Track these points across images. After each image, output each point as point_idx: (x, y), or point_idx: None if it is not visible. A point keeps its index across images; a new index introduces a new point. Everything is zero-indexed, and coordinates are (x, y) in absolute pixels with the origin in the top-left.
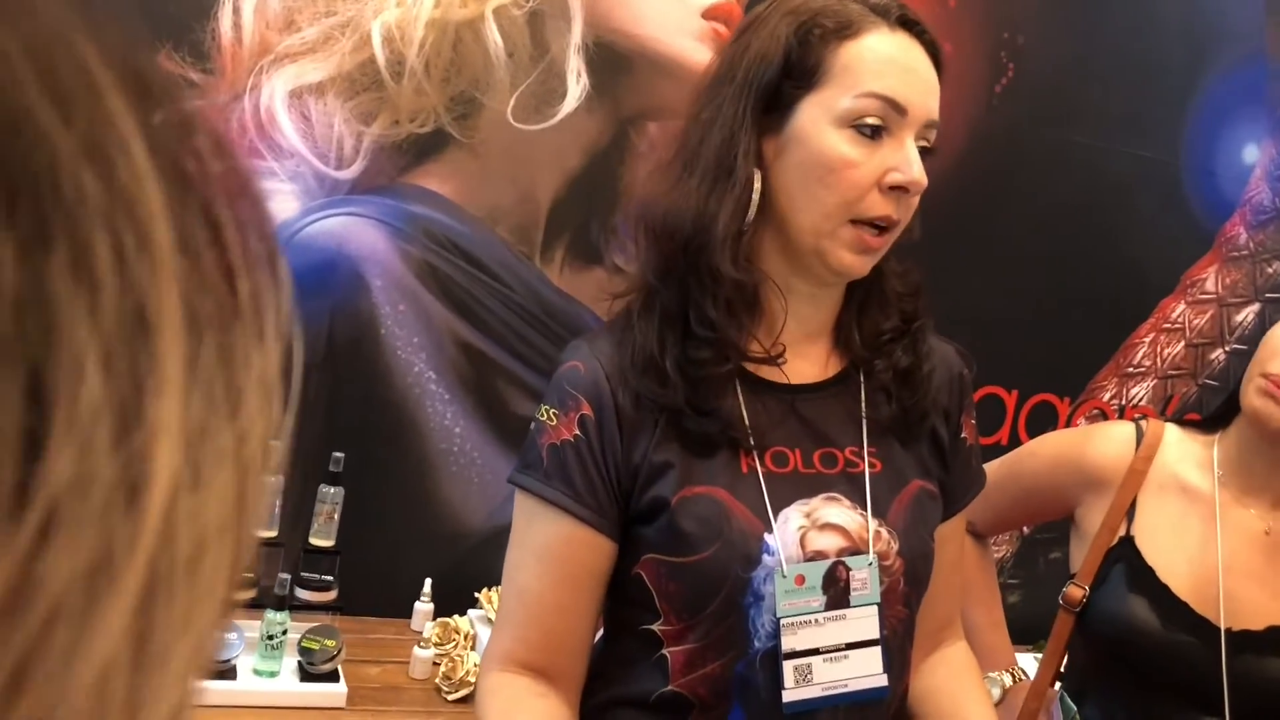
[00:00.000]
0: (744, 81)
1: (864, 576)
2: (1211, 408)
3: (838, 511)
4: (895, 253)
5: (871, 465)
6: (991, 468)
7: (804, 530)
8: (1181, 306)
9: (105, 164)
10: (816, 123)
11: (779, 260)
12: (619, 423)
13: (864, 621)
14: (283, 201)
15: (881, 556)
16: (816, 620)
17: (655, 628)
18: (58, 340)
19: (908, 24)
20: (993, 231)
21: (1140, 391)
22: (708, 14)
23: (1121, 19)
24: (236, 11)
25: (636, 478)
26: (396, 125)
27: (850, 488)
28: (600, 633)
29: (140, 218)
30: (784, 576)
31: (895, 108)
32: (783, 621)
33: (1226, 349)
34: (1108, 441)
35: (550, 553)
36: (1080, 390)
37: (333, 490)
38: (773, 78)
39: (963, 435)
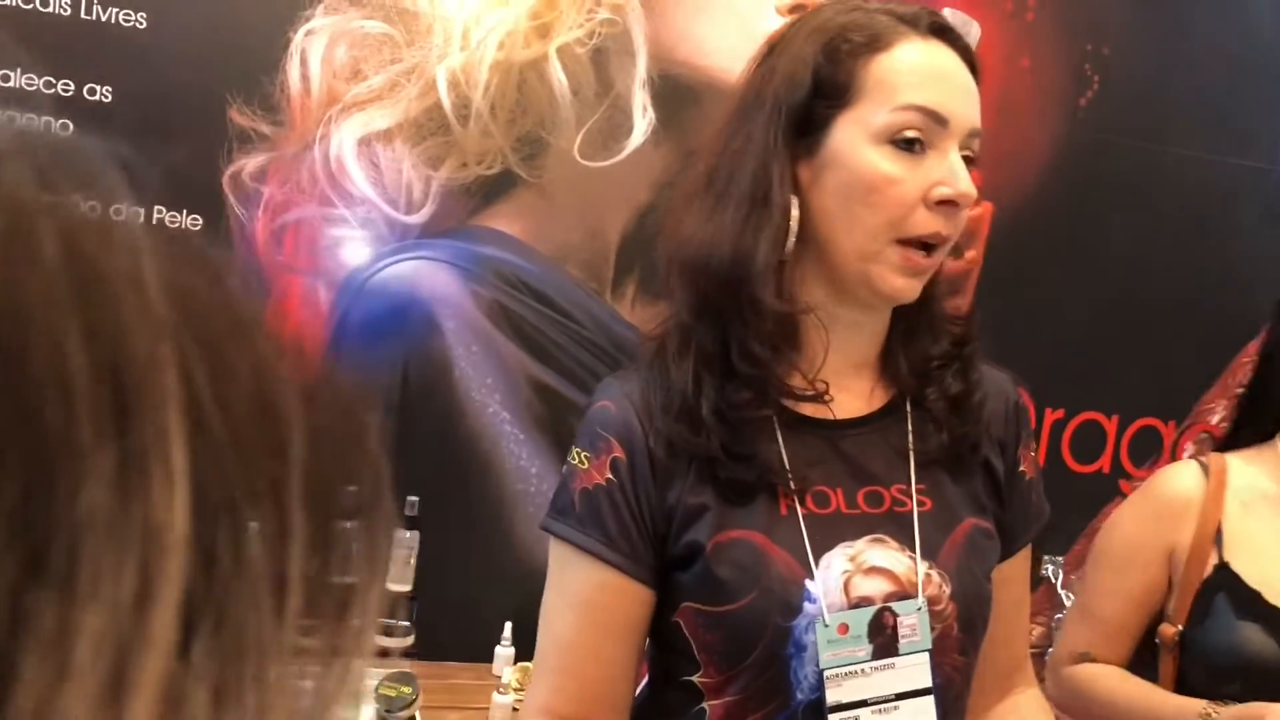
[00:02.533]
0: (774, 106)
1: (913, 622)
2: None
3: (884, 554)
4: (982, 276)
5: (920, 503)
6: (1083, 588)
7: (848, 575)
8: None
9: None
10: (853, 141)
11: (822, 289)
12: (651, 463)
13: (915, 670)
14: (354, 248)
15: (932, 601)
16: (863, 670)
17: (696, 679)
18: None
19: (940, 31)
20: (1084, 250)
21: None
22: None
23: (1210, 25)
24: (304, 63)
25: (671, 521)
26: (464, 168)
27: (898, 528)
28: (645, 680)
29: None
30: (826, 625)
31: (935, 119)
32: (826, 673)
33: None
34: (1176, 478)
35: (585, 601)
36: (1186, 414)
37: (409, 535)
38: (803, 99)
39: (1021, 469)
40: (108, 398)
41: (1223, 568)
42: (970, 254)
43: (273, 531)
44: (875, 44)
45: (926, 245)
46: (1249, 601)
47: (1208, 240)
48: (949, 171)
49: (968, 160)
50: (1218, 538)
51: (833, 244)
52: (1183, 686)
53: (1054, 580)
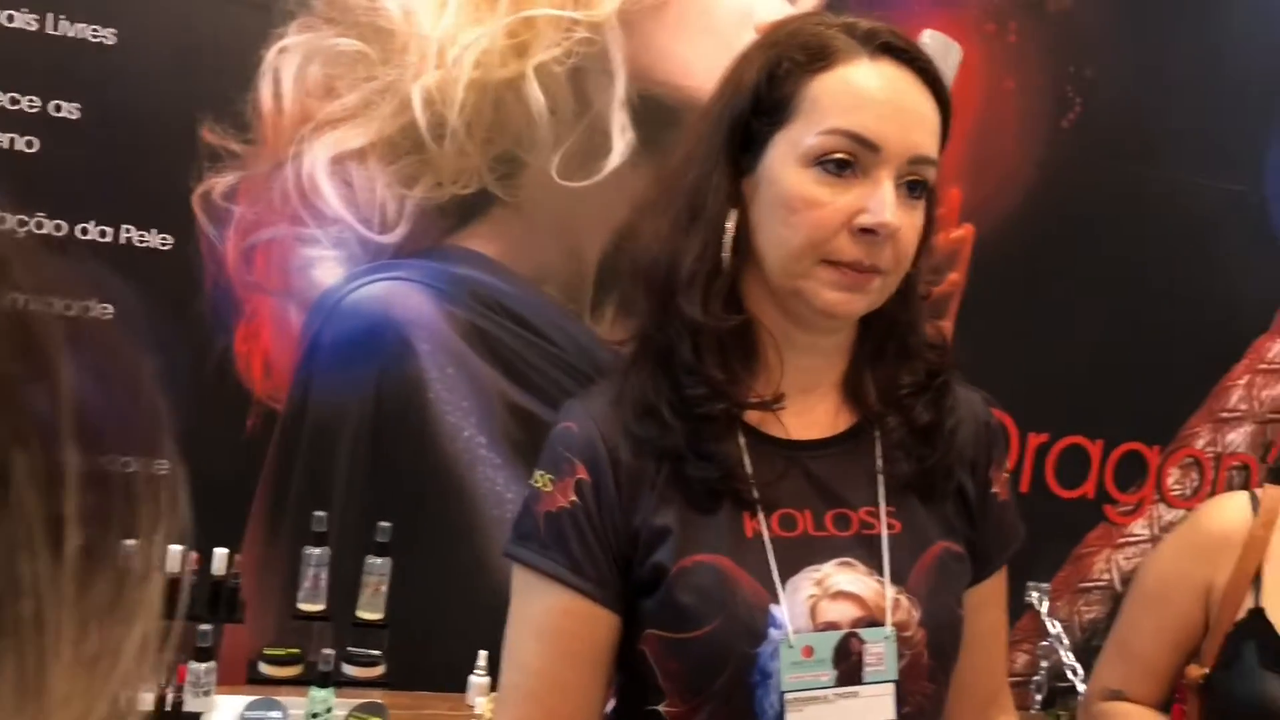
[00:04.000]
0: (717, 120)
1: (879, 651)
2: None
3: (852, 578)
4: (964, 299)
5: (890, 526)
6: (1119, 622)
7: (814, 600)
8: (1278, 345)
9: None
10: (784, 160)
11: (769, 306)
12: (617, 484)
13: (879, 700)
14: (327, 268)
15: (901, 627)
16: (826, 698)
17: (661, 708)
18: None
19: (892, 50)
20: (1068, 272)
21: (1236, 438)
22: None
23: (1193, 47)
24: (276, 81)
25: (636, 543)
26: (439, 187)
27: (866, 552)
28: (611, 705)
29: None
30: (790, 647)
31: (865, 144)
32: (787, 697)
33: None
34: (1222, 510)
35: (549, 628)
36: (1171, 438)
37: (380, 561)
38: (743, 115)
39: (994, 490)
40: None
41: (1257, 613)
42: (953, 276)
43: (42, 469)
44: (817, 63)
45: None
46: (1276, 652)
47: (1191, 263)
48: (876, 200)
49: (916, 186)
50: (1257, 580)
51: (766, 259)
52: None
53: (1039, 607)
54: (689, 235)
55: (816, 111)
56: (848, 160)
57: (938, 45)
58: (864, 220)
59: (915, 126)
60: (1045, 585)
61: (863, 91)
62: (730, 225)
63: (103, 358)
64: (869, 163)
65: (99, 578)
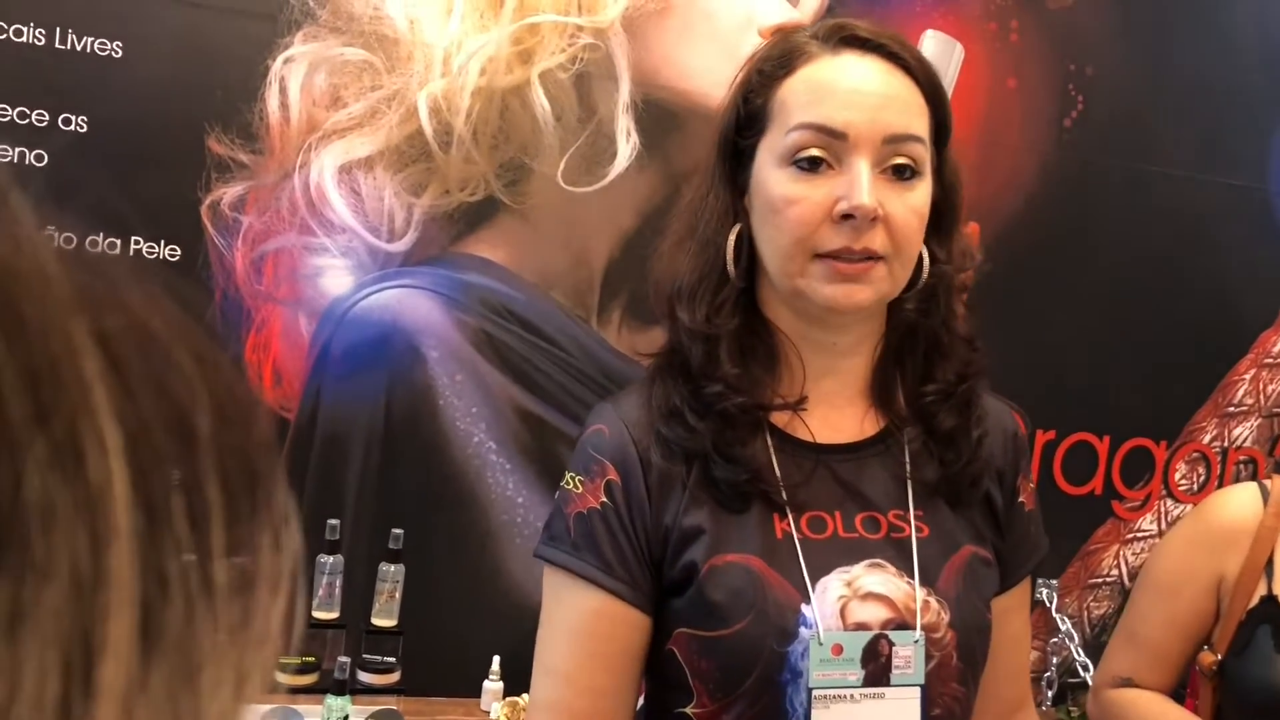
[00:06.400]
0: (713, 141)
1: (908, 654)
2: None
3: (882, 580)
4: (970, 297)
5: (919, 529)
6: (1128, 611)
7: (844, 600)
8: None
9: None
10: (765, 167)
11: (784, 310)
12: (647, 486)
13: (904, 704)
14: (336, 277)
15: (930, 629)
16: (852, 696)
17: (689, 710)
18: None
19: (853, 42)
20: (1072, 270)
21: (1244, 431)
22: None
23: (1194, 43)
24: (283, 91)
25: (667, 544)
26: (447, 195)
27: (896, 553)
28: (642, 700)
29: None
30: (820, 644)
31: (830, 133)
32: (814, 693)
33: None
34: (1231, 501)
35: (581, 629)
36: (1177, 434)
37: (393, 568)
38: (729, 133)
39: (1020, 499)
40: (32, 387)
41: (1270, 600)
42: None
43: (196, 506)
44: (782, 70)
45: (852, 257)
46: None
47: (1195, 259)
48: (848, 184)
49: (903, 170)
50: (1269, 567)
51: (769, 266)
52: (1220, 717)
53: (1048, 604)
54: (691, 253)
55: (785, 113)
56: (820, 156)
57: (940, 45)
58: (841, 206)
59: (884, 107)
60: (1054, 582)
61: (823, 84)
62: (732, 238)
63: (234, 407)
64: (841, 151)
65: (238, 598)
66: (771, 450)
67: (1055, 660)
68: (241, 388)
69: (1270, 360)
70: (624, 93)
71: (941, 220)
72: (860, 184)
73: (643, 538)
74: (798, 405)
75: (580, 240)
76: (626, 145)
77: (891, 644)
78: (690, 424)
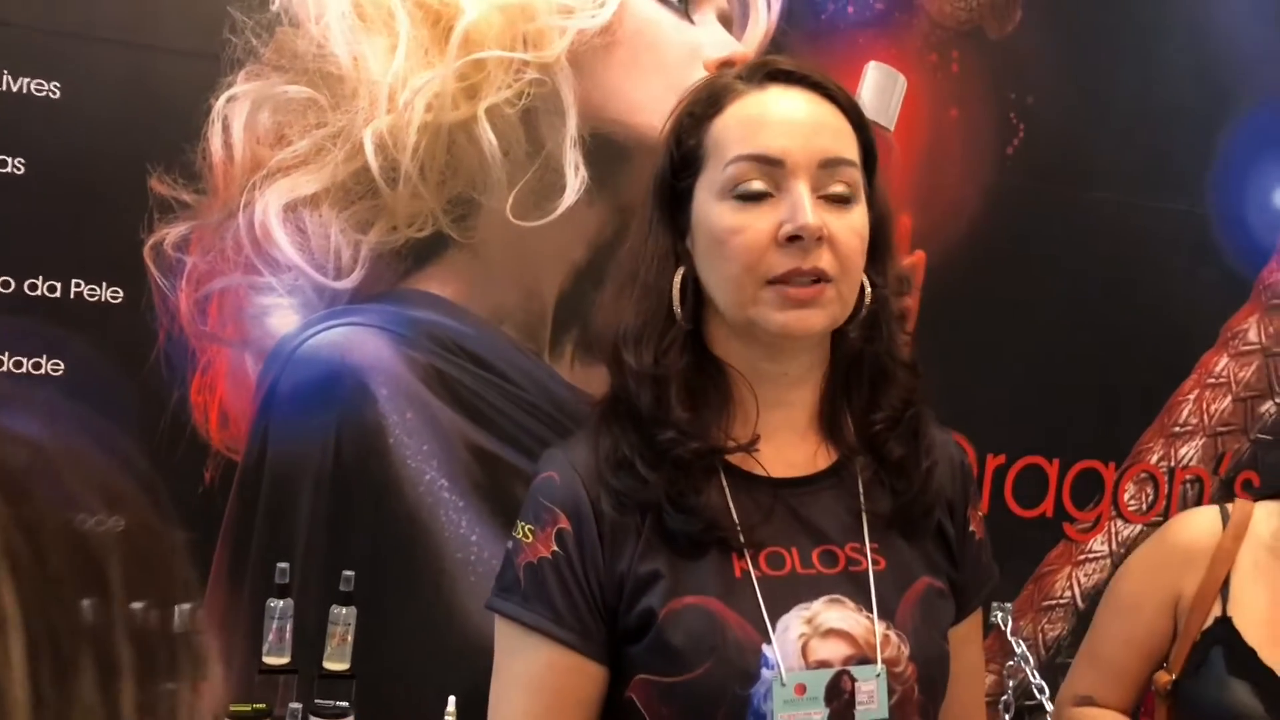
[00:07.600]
0: (649, 188)
1: (870, 689)
2: (1268, 464)
3: (842, 615)
4: (917, 324)
5: (875, 562)
6: (1091, 631)
7: (805, 638)
8: (1225, 359)
9: None
10: (705, 204)
11: (733, 344)
12: (600, 533)
13: None
14: (282, 316)
15: (891, 663)
16: None
17: None
18: None
19: (779, 76)
20: (1017, 295)
21: (1189, 451)
22: None
23: (1133, 71)
24: (226, 129)
25: (622, 591)
26: (394, 231)
27: (854, 588)
28: None
29: None
30: (783, 685)
31: (767, 162)
32: None
33: (1278, 400)
34: (1192, 523)
35: (534, 683)
36: (1126, 454)
37: (345, 611)
38: (665, 177)
39: (971, 529)
40: None
41: (1224, 621)
42: (907, 301)
43: (103, 668)
44: (712, 109)
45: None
46: (1243, 658)
47: (1140, 282)
48: (790, 206)
49: (840, 197)
50: (1224, 589)
51: (718, 300)
52: None
53: (1003, 627)
54: (635, 299)
55: (720, 149)
56: (761, 189)
57: (883, 77)
58: (786, 229)
59: (815, 134)
60: (1008, 605)
61: (754, 117)
62: (677, 280)
63: (146, 540)
64: (779, 178)
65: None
66: (727, 491)
67: (1011, 683)
68: (148, 522)
69: (1213, 380)
70: (571, 127)
71: (877, 247)
72: (803, 205)
73: (596, 586)
74: (750, 447)
75: (531, 274)
76: (575, 179)
77: (854, 680)
78: (642, 475)
